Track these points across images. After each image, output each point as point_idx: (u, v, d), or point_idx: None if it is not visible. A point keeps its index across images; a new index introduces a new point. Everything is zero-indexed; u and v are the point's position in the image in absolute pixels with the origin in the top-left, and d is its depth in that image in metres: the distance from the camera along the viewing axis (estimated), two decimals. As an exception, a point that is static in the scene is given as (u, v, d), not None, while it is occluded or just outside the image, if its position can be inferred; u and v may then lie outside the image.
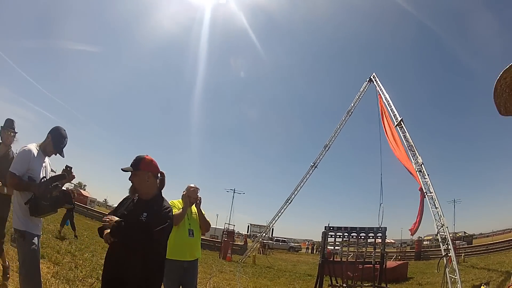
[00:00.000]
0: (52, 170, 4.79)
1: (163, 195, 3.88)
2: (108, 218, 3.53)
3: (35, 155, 4.41)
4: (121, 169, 3.74)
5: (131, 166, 3.73)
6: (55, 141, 4.53)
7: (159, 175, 3.85)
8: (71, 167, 4.58)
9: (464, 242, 41.38)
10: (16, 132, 5.41)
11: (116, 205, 3.93)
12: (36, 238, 4.34)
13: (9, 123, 5.49)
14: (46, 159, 4.66)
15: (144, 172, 3.72)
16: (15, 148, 5.22)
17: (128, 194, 3.90)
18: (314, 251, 52.67)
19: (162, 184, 3.89)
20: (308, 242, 66.78)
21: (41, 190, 4.18)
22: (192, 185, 5.68)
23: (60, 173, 4.50)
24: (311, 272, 20.40)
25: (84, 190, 71.26)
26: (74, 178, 4.68)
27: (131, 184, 3.77)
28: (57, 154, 4.63)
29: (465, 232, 54.44)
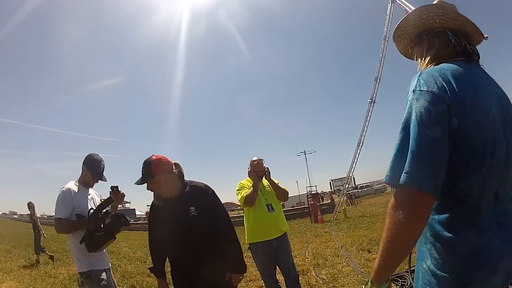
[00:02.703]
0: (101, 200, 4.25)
1: (186, 181, 3.42)
2: None
3: (76, 191, 3.98)
4: (135, 184, 3.22)
5: (143, 176, 3.20)
6: (91, 169, 4.08)
7: (173, 167, 3.35)
8: (117, 186, 4.14)
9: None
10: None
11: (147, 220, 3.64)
12: (104, 273, 3.98)
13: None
14: (91, 191, 4.25)
15: (159, 175, 3.20)
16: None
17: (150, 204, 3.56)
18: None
19: (181, 174, 3.41)
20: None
21: (92, 223, 3.75)
22: (255, 158, 5.13)
23: (108, 197, 3.99)
24: (402, 208, 19.82)
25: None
26: (125, 196, 4.20)
27: (153, 192, 3.28)
28: (99, 181, 4.18)
29: None
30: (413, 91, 1.46)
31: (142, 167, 3.25)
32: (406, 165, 1.34)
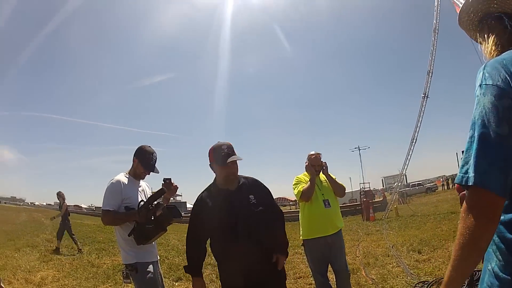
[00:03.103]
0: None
1: None
2: None
3: (126, 183, 3.93)
4: (228, 162, 3.21)
5: (232, 155, 3.26)
6: (143, 161, 4.01)
7: None
8: (170, 178, 4.11)
9: None
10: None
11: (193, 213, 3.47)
12: (151, 266, 3.88)
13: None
14: (142, 183, 4.18)
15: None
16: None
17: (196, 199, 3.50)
18: (450, 186, 50.61)
19: None
20: (442, 178, 64.62)
21: (143, 215, 3.64)
22: (313, 152, 5.06)
23: (159, 188, 3.91)
24: (453, 209, 19.04)
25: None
26: (178, 188, 4.20)
27: (230, 175, 3.32)
28: (150, 173, 4.11)
29: None
30: (480, 85, 1.39)
31: (224, 149, 3.26)
32: (475, 165, 1.28)
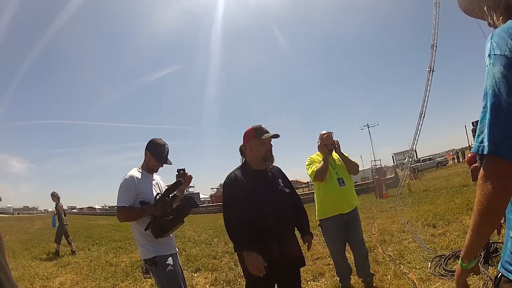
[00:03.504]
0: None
1: None
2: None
3: (139, 177, 3.88)
4: (274, 136, 3.42)
5: (270, 134, 3.37)
6: (155, 153, 3.98)
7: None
8: (184, 168, 4.05)
9: None
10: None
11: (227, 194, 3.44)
12: (170, 258, 3.84)
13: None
14: (155, 176, 4.14)
15: None
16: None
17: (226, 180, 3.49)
18: (460, 159, 50.28)
19: None
20: (452, 152, 64.31)
21: (159, 208, 3.60)
22: (324, 131, 5.03)
23: (176, 180, 3.85)
24: (465, 182, 19.15)
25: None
26: (192, 178, 4.14)
27: (269, 152, 3.44)
28: (163, 165, 4.08)
29: None
30: (489, 55, 1.39)
31: (264, 127, 3.43)
32: (489, 135, 1.32)
